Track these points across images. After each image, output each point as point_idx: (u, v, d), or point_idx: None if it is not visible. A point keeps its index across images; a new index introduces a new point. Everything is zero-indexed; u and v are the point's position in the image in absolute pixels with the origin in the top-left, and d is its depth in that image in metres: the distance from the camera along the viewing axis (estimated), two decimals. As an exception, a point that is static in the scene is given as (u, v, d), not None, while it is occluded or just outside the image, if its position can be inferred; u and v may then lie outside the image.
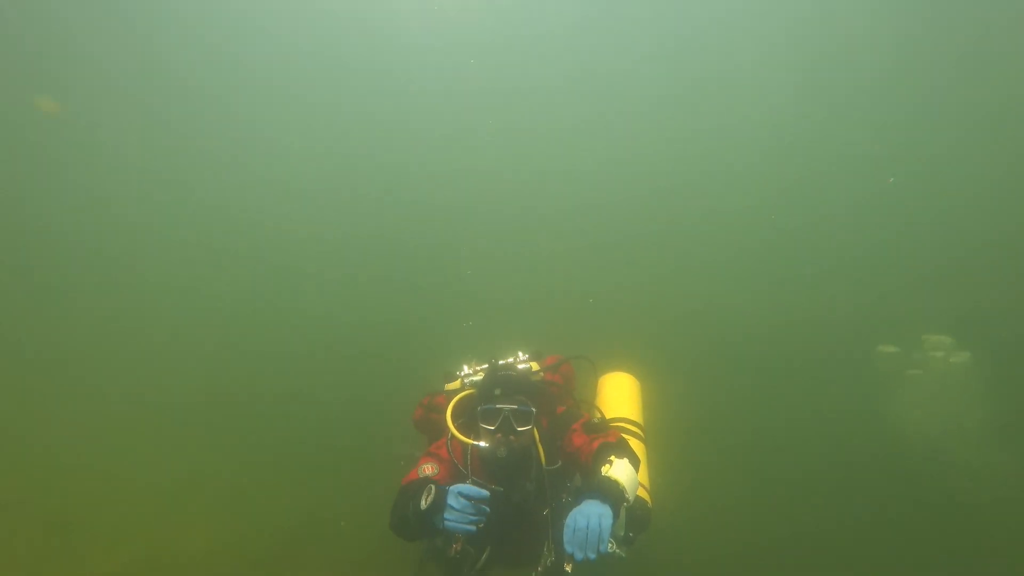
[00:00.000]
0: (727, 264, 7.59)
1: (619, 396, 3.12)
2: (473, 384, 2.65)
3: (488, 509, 1.88)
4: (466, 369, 2.82)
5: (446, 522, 1.87)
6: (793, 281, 7.30)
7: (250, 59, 8.22)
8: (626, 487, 1.97)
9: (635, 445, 2.81)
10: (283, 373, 6.19)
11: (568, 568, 1.90)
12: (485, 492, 1.90)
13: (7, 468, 4.41)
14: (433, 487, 1.93)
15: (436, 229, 7.54)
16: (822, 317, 6.77)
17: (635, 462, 2.18)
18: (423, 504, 1.91)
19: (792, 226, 7.71)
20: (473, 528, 1.88)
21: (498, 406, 2.35)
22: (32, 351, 6.03)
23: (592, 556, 1.77)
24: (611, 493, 1.91)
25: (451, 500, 1.88)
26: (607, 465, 2.05)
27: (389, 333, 6.48)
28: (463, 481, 2.40)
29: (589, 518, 1.80)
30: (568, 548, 1.78)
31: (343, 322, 6.88)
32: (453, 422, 2.42)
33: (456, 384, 2.80)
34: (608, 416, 2.97)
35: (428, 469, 2.38)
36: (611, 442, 2.29)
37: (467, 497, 1.88)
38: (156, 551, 3.94)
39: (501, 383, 2.41)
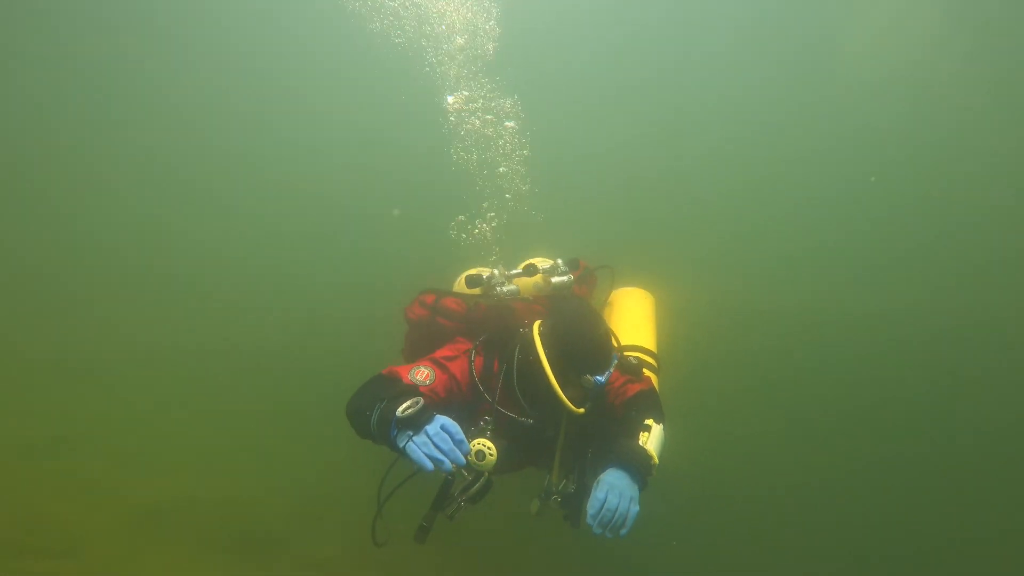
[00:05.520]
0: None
1: (633, 317, 2.72)
2: (511, 294, 2.33)
3: (464, 462, 1.65)
4: (495, 274, 2.38)
5: (407, 444, 1.58)
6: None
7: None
8: (656, 463, 1.91)
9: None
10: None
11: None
12: (467, 445, 1.67)
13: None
14: (422, 401, 1.64)
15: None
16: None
17: (665, 423, 2.06)
18: (400, 411, 1.60)
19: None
20: (429, 466, 1.57)
21: None
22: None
23: (610, 535, 1.74)
24: (644, 473, 1.84)
25: (430, 427, 1.59)
26: (645, 434, 1.94)
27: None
28: (476, 405, 2.03)
29: (621, 500, 1.74)
30: (590, 521, 1.75)
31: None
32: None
33: (477, 291, 2.38)
34: (622, 342, 2.56)
35: (420, 375, 1.94)
36: (645, 391, 2.18)
37: (448, 433, 1.60)
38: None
39: None
